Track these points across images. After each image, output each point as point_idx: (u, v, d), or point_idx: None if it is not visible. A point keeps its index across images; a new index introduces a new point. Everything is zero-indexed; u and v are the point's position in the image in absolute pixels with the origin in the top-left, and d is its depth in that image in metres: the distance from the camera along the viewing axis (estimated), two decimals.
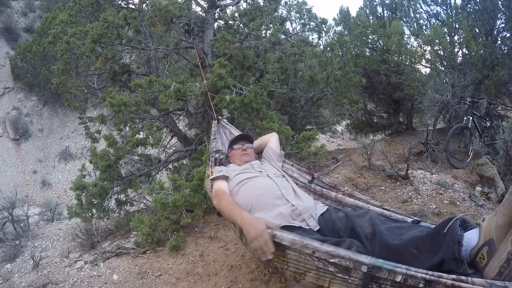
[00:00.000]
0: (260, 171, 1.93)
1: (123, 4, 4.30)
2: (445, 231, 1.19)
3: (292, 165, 2.19)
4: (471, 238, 1.18)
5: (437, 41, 4.74)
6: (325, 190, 1.98)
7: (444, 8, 5.59)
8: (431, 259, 1.19)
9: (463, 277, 0.98)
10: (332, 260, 1.17)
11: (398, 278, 1.05)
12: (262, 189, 1.74)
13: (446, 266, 1.15)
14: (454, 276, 0.99)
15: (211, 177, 1.94)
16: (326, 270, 1.22)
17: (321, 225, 1.61)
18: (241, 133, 2.45)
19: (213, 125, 2.57)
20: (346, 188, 1.95)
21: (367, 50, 5.79)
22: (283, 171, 2.09)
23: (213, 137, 2.45)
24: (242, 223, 1.40)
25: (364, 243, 1.39)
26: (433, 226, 1.38)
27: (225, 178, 1.90)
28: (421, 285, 1.02)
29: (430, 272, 1.02)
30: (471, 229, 1.22)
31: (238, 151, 2.15)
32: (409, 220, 1.55)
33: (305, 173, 2.11)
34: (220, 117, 2.67)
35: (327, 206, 1.77)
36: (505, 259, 1.04)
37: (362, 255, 1.15)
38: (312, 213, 1.63)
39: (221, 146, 2.46)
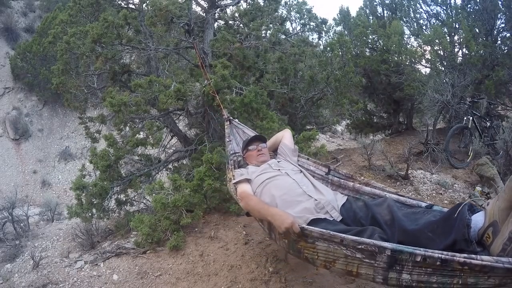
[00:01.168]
0: (279, 169, 2.00)
1: (123, 4, 4.30)
2: (455, 215, 1.36)
3: (308, 159, 2.26)
4: (478, 220, 1.34)
5: (437, 41, 4.73)
6: (342, 180, 2.06)
7: (444, 8, 5.59)
8: (444, 241, 1.35)
9: (473, 255, 1.14)
10: (359, 247, 1.32)
11: (418, 259, 1.20)
12: (284, 188, 1.83)
13: (458, 246, 1.31)
14: (465, 255, 1.15)
15: (234, 181, 2.02)
16: (354, 257, 1.36)
17: (343, 215, 1.72)
18: (254, 133, 2.52)
19: (226, 126, 2.59)
20: (362, 178, 2.03)
21: (367, 50, 5.79)
22: (299, 165, 2.17)
23: (228, 140, 2.50)
24: (273, 218, 1.58)
25: (384, 229, 1.53)
26: (445, 210, 1.55)
27: (248, 181, 1.99)
28: (438, 263, 1.17)
29: (445, 252, 1.17)
30: (478, 212, 1.38)
31: (254, 152, 2.22)
32: (423, 204, 1.67)
33: (321, 166, 2.19)
34: (231, 118, 2.68)
35: (346, 196, 1.89)
36: (507, 237, 1.21)
37: (384, 242, 1.30)
38: (334, 205, 1.75)
39: (236, 147, 2.50)
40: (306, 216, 1.66)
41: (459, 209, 1.37)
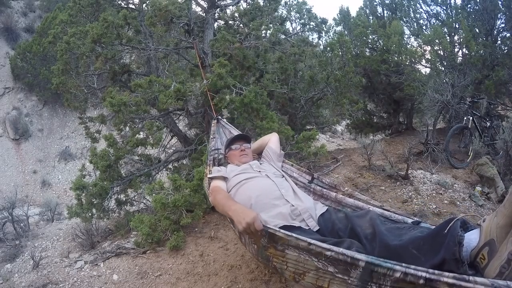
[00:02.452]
0: (259, 171, 1.93)
1: (123, 4, 4.30)
2: (445, 231, 1.18)
3: (292, 165, 2.18)
4: (471, 238, 1.18)
5: (437, 41, 4.74)
6: (325, 190, 1.98)
7: (444, 8, 5.59)
8: (431, 260, 1.18)
9: (465, 276, 0.96)
10: (329, 255, 1.16)
11: (397, 275, 1.04)
12: (261, 189, 1.74)
13: (446, 267, 1.14)
14: (455, 275, 0.97)
15: (209, 176, 1.95)
16: (325, 270, 1.22)
17: (320, 226, 1.61)
18: (240, 132, 2.45)
19: (212, 124, 2.57)
20: (346, 188, 1.94)
21: (367, 50, 5.79)
22: (282, 171, 2.09)
23: (212, 137, 2.44)
24: (234, 212, 1.44)
25: (364, 243, 1.39)
26: (433, 227, 1.38)
27: (224, 179, 1.91)
28: (421, 281, 1.00)
29: (431, 270, 1.01)
30: (472, 229, 1.22)
31: (237, 151, 2.14)
32: (409, 221, 1.55)
33: (305, 173, 2.10)
34: (220, 117, 2.66)
35: (327, 207, 1.77)
36: (506, 259, 1.05)
37: (359, 253, 1.14)
38: (311, 213, 1.63)
39: (220, 145, 2.45)
40: (278, 222, 1.53)
41: (450, 224, 1.19)
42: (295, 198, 1.72)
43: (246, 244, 1.69)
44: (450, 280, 0.96)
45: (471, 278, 0.95)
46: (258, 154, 2.29)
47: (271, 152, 2.18)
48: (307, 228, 1.56)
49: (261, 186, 1.77)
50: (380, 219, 1.50)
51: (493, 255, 1.10)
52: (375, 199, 3.35)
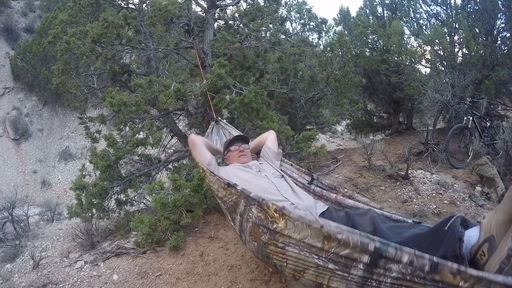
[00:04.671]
0: (259, 171, 1.93)
1: (123, 4, 4.30)
2: (446, 228, 1.20)
3: (292, 165, 2.18)
4: (471, 235, 1.19)
5: (437, 41, 4.74)
6: (324, 191, 1.97)
7: (444, 8, 5.59)
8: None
9: (468, 268, 0.99)
10: (340, 237, 1.16)
11: (405, 259, 1.06)
12: (260, 189, 1.74)
13: None
14: (458, 264, 1.00)
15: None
16: (325, 267, 1.24)
17: None
18: (239, 133, 2.44)
19: (210, 126, 2.56)
20: (346, 190, 1.94)
21: (367, 50, 5.79)
22: (282, 170, 2.09)
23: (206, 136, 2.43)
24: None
25: None
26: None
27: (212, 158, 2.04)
28: (427, 268, 1.02)
29: (436, 258, 1.03)
30: (472, 227, 1.24)
31: (235, 152, 2.13)
32: (410, 220, 1.56)
33: (304, 174, 2.10)
34: (219, 118, 2.65)
35: (327, 206, 1.77)
36: (505, 255, 1.06)
37: (371, 236, 1.15)
38: (312, 211, 1.62)
39: (220, 147, 2.46)
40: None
41: (450, 221, 1.22)
42: (295, 197, 1.73)
43: (246, 242, 1.68)
44: (455, 267, 0.98)
45: (473, 269, 0.97)
46: (257, 153, 2.28)
47: (269, 151, 2.18)
48: None
49: (260, 186, 1.77)
50: (380, 217, 1.51)
51: (493, 251, 1.11)
52: (375, 199, 3.36)
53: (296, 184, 1.98)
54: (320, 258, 1.24)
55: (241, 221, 1.61)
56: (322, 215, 1.66)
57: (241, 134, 2.41)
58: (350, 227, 1.48)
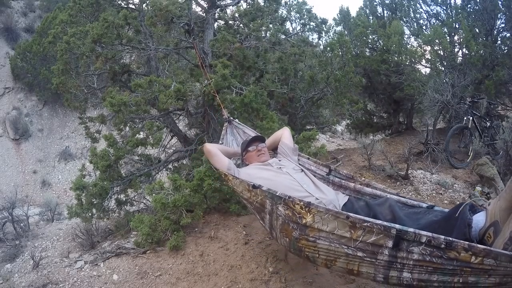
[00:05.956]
0: (280, 168, 1.99)
1: (123, 4, 4.29)
2: (456, 215, 1.38)
3: (309, 159, 2.24)
4: (479, 220, 1.36)
5: (437, 41, 4.73)
6: (343, 181, 2.05)
7: (444, 8, 5.59)
8: None
9: (478, 245, 1.15)
10: (365, 224, 1.31)
11: (423, 239, 1.21)
12: (284, 186, 1.80)
13: None
14: (469, 243, 1.16)
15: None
16: (355, 255, 1.38)
17: None
18: (255, 132, 2.49)
19: (224, 127, 2.56)
20: (363, 178, 2.03)
21: (367, 50, 5.79)
22: (300, 164, 2.15)
23: (220, 142, 2.45)
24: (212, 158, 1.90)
25: None
26: (446, 210, 1.57)
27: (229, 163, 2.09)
28: (442, 245, 1.18)
29: (450, 238, 1.19)
30: (479, 212, 1.40)
31: (254, 152, 2.19)
32: (424, 205, 1.69)
33: (322, 166, 2.17)
34: (231, 118, 2.66)
35: (348, 196, 1.87)
36: (508, 237, 1.22)
37: (391, 223, 1.31)
38: (335, 204, 1.73)
39: (237, 147, 2.46)
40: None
41: (460, 208, 1.39)
42: (318, 191, 1.81)
43: (278, 238, 1.79)
44: (466, 244, 1.15)
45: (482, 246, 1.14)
46: (273, 150, 2.35)
47: (286, 147, 2.23)
48: None
49: (284, 183, 1.84)
50: (398, 205, 1.65)
51: (497, 234, 1.28)
52: None
53: (315, 176, 2.05)
54: (350, 247, 1.38)
55: (270, 220, 1.73)
56: (344, 206, 1.76)
57: (257, 134, 2.46)
58: (372, 216, 1.63)
